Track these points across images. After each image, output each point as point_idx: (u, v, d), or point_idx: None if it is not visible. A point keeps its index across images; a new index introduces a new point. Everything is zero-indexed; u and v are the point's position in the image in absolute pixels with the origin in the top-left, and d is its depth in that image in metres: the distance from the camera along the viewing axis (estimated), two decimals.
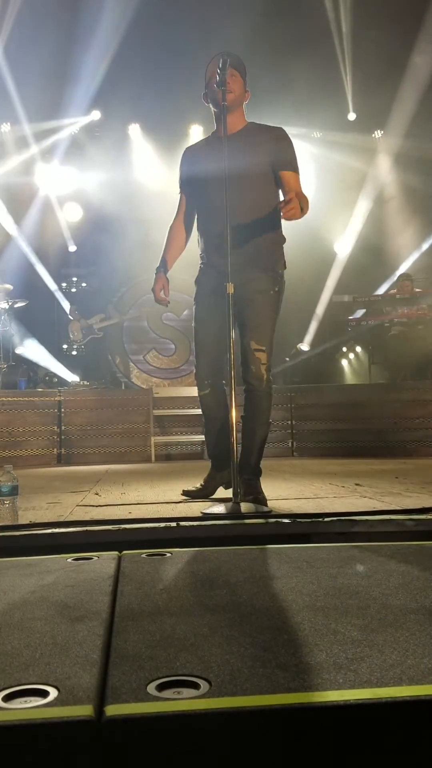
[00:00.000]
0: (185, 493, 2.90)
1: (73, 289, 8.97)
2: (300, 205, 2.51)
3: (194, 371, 2.96)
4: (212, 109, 2.81)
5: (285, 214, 2.50)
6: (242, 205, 2.63)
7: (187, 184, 2.93)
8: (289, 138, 2.78)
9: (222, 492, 2.83)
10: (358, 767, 0.72)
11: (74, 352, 8.45)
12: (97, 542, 1.72)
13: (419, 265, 8.79)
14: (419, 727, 0.75)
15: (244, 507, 2.30)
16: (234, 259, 2.48)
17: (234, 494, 2.41)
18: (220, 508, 2.34)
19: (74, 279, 9.06)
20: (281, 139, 2.76)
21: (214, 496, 2.84)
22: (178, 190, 2.99)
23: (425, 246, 8.83)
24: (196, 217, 2.92)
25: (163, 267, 2.92)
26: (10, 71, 7.49)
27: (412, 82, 7.73)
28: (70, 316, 8.37)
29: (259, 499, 2.57)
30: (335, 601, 1.14)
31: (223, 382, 2.81)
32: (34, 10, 7.02)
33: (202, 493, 2.84)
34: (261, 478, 2.77)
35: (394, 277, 8.17)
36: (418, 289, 7.55)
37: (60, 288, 8.99)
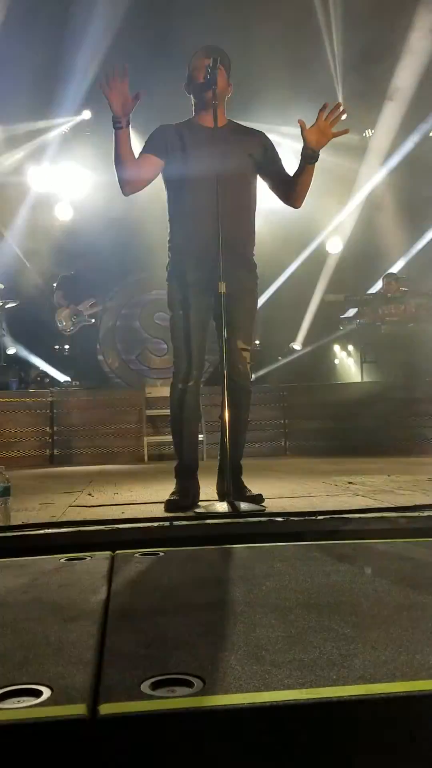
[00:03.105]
0: (171, 508, 2.52)
1: (54, 284, 8.88)
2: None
3: (175, 363, 2.70)
4: (192, 99, 2.79)
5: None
6: (231, 203, 2.63)
7: (167, 158, 2.68)
8: (271, 141, 2.82)
9: (206, 492, 2.80)
10: (352, 763, 0.73)
11: (66, 353, 8.39)
12: (90, 542, 1.72)
13: (409, 264, 8.83)
14: (413, 722, 0.75)
15: (238, 506, 2.29)
16: (224, 257, 2.49)
17: (227, 493, 2.41)
18: (213, 508, 2.34)
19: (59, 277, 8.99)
20: (267, 141, 2.79)
21: (201, 497, 2.78)
22: (150, 150, 2.68)
23: (416, 245, 8.88)
24: (171, 200, 2.75)
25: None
26: (1, 70, 7.46)
27: (402, 81, 7.76)
28: (56, 303, 8.24)
29: (252, 497, 2.57)
30: (328, 599, 1.14)
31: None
32: (25, 10, 7.00)
33: (188, 503, 2.58)
34: (254, 477, 2.77)
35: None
36: (404, 288, 7.58)
37: (51, 288, 8.94)
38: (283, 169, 2.78)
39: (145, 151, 2.71)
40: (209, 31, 6.35)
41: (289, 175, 2.75)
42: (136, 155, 2.69)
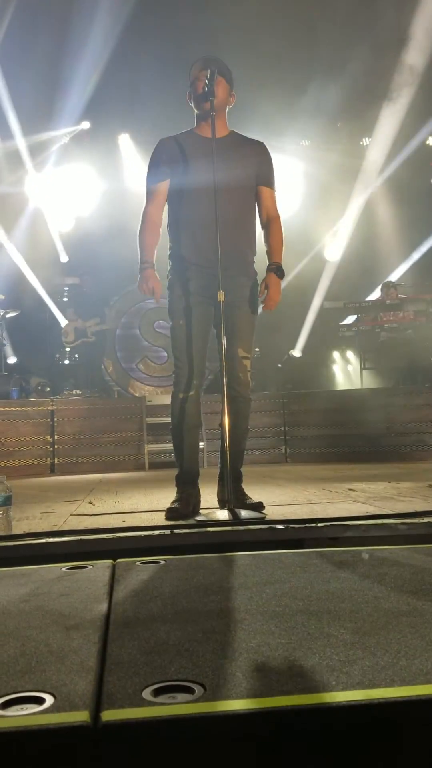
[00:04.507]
0: (172, 516, 2.55)
1: (65, 299, 8.95)
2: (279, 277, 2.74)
3: (176, 372, 2.74)
4: (194, 110, 2.83)
5: (266, 306, 2.71)
6: (232, 212, 2.67)
7: (171, 175, 2.76)
8: (270, 154, 2.86)
9: (207, 500, 2.81)
10: None
11: (66, 361, 8.42)
12: (92, 551, 1.73)
13: (408, 272, 8.86)
14: (411, 727, 0.76)
15: (239, 514, 2.30)
16: (224, 266, 2.52)
17: (227, 501, 2.42)
18: (214, 515, 2.35)
19: (66, 289, 9.05)
20: (264, 154, 2.83)
21: (202, 505, 2.80)
22: (155, 178, 2.78)
23: (414, 253, 8.92)
24: (171, 210, 2.81)
25: (150, 263, 2.75)
26: (2, 81, 7.52)
27: (399, 90, 7.81)
28: (66, 319, 8.32)
29: (253, 505, 2.58)
30: (328, 605, 1.15)
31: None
32: (25, 22, 7.06)
33: (189, 511, 2.62)
34: (255, 485, 2.78)
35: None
36: (402, 295, 7.62)
37: (52, 298, 8.99)
38: (269, 190, 2.82)
39: (156, 180, 2.78)
40: (208, 40, 6.41)
41: (271, 201, 2.84)
42: (145, 167, 2.84)
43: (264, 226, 2.84)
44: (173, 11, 7.02)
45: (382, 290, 7.90)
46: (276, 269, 2.73)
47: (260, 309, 2.79)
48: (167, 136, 2.82)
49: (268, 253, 2.80)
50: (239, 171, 2.71)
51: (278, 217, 2.83)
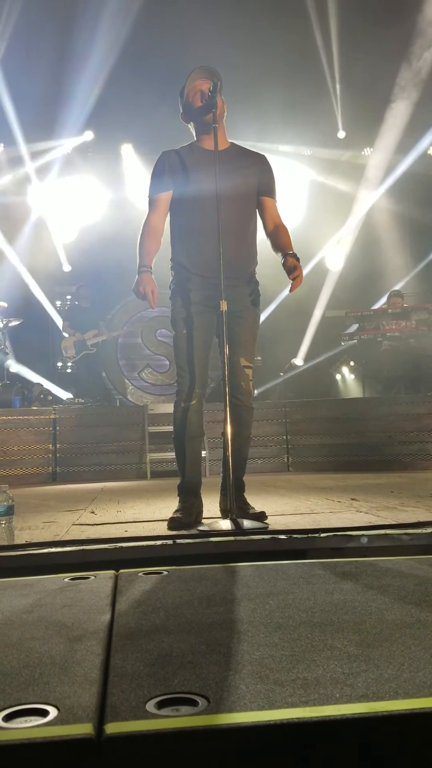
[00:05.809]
0: (174, 526, 2.55)
1: (67, 306, 8.98)
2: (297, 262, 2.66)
3: (178, 381, 2.74)
4: (192, 126, 2.85)
5: (294, 285, 2.64)
6: (234, 223, 2.69)
7: (173, 185, 2.78)
8: (271, 165, 2.89)
9: (209, 509, 2.81)
10: None
11: (68, 370, 8.45)
12: (94, 561, 1.73)
13: (409, 281, 8.88)
14: (416, 741, 0.76)
15: (241, 524, 2.30)
16: (226, 276, 2.53)
17: (230, 511, 2.41)
18: (216, 525, 2.34)
19: (68, 297, 9.08)
20: (265, 165, 2.85)
21: (204, 514, 2.80)
22: (158, 188, 2.79)
23: (417, 262, 8.94)
24: (174, 220, 2.83)
25: (148, 267, 2.74)
26: (5, 92, 7.58)
27: (400, 99, 7.86)
28: (63, 333, 8.33)
29: (255, 515, 2.57)
30: (332, 617, 1.15)
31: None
32: (28, 34, 7.13)
33: (191, 521, 2.63)
34: (257, 494, 2.78)
35: (386, 294, 8.27)
36: (406, 305, 7.64)
37: (54, 306, 9.02)
38: (272, 200, 2.85)
39: (158, 190, 2.80)
40: (211, 52, 6.46)
41: (276, 210, 2.84)
42: (146, 183, 2.84)
43: (270, 234, 2.84)
44: (175, 22, 7.08)
45: (388, 299, 7.91)
46: (293, 255, 2.69)
47: (281, 296, 2.77)
48: (169, 149, 2.84)
49: (281, 250, 2.75)
50: (241, 182, 2.73)
51: (284, 225, 2.85)
